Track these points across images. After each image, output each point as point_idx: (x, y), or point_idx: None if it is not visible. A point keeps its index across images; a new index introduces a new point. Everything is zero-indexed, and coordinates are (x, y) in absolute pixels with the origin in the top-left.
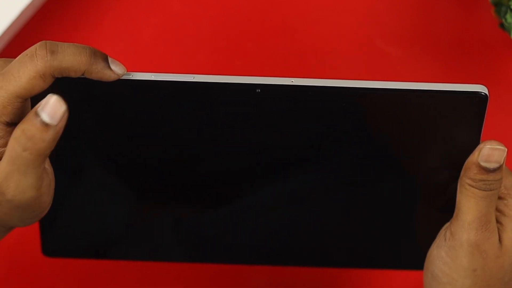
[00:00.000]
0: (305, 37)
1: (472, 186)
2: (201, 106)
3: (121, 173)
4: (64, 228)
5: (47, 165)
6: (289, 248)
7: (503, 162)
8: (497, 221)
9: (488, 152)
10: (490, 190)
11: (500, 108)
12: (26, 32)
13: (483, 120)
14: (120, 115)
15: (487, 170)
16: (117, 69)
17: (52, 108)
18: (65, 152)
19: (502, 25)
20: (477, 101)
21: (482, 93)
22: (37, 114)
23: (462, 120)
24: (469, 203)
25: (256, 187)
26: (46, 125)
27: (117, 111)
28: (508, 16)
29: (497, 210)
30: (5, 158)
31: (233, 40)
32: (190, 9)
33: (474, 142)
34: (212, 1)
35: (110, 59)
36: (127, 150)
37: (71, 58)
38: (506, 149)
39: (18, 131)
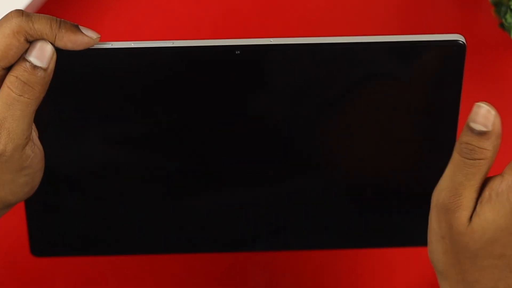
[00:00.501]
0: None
1: (456, 150)
2: (181, 71)
3: (104, 161)
4: (52, 227)
5: (33, 128)
6: (278, 232)
7: (493, 129)
8: (479, 201)
9: (476, 110)
10: (472, 159)
11: (500, 108)
12: None
13: (462, 72)
14: (101, 88)
15: (472, 131)
16: (89, 33)
17: (40, 51)
18: (51, 141)
19: (502, 25)
20: (455, 50)
21: (460, 41)
22: (26, 59)
23: (441, 73)
24: (449, 167)
25: (240, 160)
26: (37, 68)
27: (97, 83)
28: (508, 16)
29: (485, 189)
30: None
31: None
32: (189, 9)
33: (455, 95)
34: (212, 1)
35: (81, 27)
36: (110, 128)
37: (43, 20)
38: (497, 115)
39: (11, 77)
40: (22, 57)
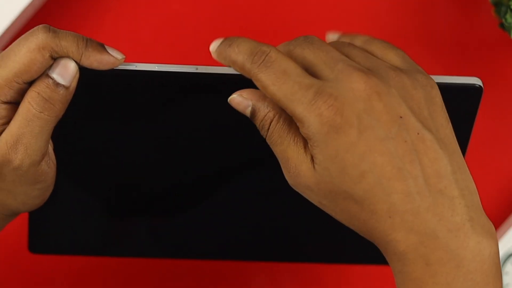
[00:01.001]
0: None
1: (264, 137)
2: (203, 97)
3: (108, 169)
4: (51, 225)
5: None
6: (268, 242)
7: (252, 103)
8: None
9: (233, 105)
10: (267, 131)
11: (500, 107)
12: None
13: (476, 114)
14: (120, 107)
15: (251, 118)
16: (115, 54)
17: (63, 69)
18: (57, 146)
19: (502, 25)
20: (472, 93)
21: (477, 85)
22: (48, 76)
23: (456, 112)
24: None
25: (238, 181)
26: (59, 85)
27: (117, 103)
28: (508, 16)
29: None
30: (16, 122)
31: None
32: (189, 9)
33: (465, 135)
34: (212, 1)
35: (107, 46)
36: (120, 144)
37: (70, 38)
38: (242, 92)
39: (33, 93)
40: (45, 73)
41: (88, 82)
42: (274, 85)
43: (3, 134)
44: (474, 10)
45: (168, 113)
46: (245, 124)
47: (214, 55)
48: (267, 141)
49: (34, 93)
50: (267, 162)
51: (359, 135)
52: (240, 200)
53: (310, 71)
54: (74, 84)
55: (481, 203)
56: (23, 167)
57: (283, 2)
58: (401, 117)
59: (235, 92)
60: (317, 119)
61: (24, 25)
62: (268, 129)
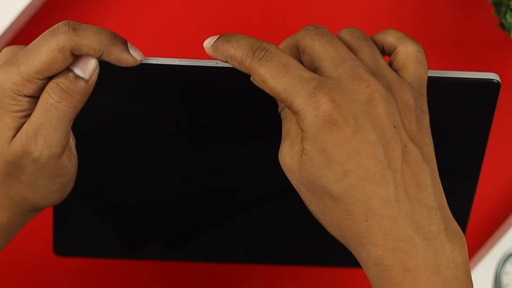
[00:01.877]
0: None
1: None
2: (222, 91)
3: (132, 170)
4: (76, 227)
5: (71, 136)
6: (272, 246)
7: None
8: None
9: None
10: (284, 109)
11: (500, 108)
12: (26, 32)
13: (494, 109)
14: (140, 101)
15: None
16: (135, 54)
17: (83, 63)
18: (80, 145)
19: (502, 25)
20: (490, 89)
21: (495, 80)
22: (69, 69)
23: (474, 108)
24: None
25: (249, 183)
26: (79, 78)
27: (136, 96)
28: (508, 16)
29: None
30: (35, 112)
31: None
32: (190, 9)
33: (484, 131)
34: (212, 1)
35: (129, 44)
36: (142, 138)
37: (92, 36)
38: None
39: (52, 84)
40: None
41: (108, 76)
42: (274, 78)
43: (24, 125)
44: (474, 10)
45: (187, 108)
46: (262, 119)
47: (209, 50)
48: (281, 115)
49: (53, 84)
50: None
51: (352, 135)
52: (247, 204)
53: (315, 65)
54: (94, 78)
55: (481, 203)
56: (43, 159)
57: (284, 2)
58: (394, 126)
59: None
60: (314, 113)
61: (24, 25)
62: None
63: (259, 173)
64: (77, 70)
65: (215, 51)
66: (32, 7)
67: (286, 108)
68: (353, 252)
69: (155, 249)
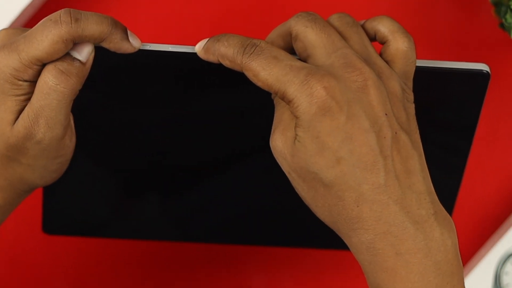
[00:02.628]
0: None
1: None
2: (215, 78)
3: (121, 151)
4: (65, 206)
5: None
6: (273, 227)
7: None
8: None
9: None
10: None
11: (500, 107)
12: None
13: (483, 100)
14: (130, 87)
15: None
16: (134, 42)
17: (80, 46)
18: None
19: (502, 25)
20: (479, 79)
21: (484, 71)
22: (67, 52)
23: (463, 98)
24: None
25: (243, 162)
26: (75, 59)
27: (127, 82)
28: (508, 16)
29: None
30: (35, 96)
31: None
32: (190, 9)
33: (473, 120)
34: (212, 1)
35: (129, 32)
36: (132, 125)
37: (94, 26)
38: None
39: (50, 66)
40: None
41: (102, 61)
42: (265, 70)
43: (26, 108)
44: (474, 10)
45: (181, 94)
46: (256, 107)
47: (201, 53)
48: (274, 100)
49: (51, 66)
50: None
51: (345, 122)
52: (245, 185)
53: (307, 52)
54: (90, 62)
55: (481, 203)
56: (46, 140)
57: (284, 2)
58: (386, 114)
59: None
60: (307, 99)
61: (24, 25)
62: None
63: (256, 157)
64: (74, 53)
65: (207, 53)
66: (32, 7)
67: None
68: (343, 238)
69: (146, 228)
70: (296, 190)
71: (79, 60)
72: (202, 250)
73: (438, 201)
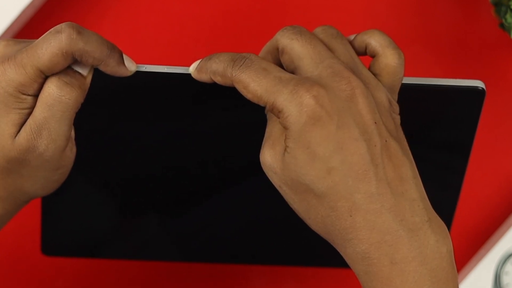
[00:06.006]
0: None
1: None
2: (210, 98)
3: (121, 172)
4: (64, 227)
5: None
6: (273, 246)
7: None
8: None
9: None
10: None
11: (500, 107)
12: (26, 32)
13: (479, 116)
14: (129, 107)
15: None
16: (130, 66)
17: (81, 63)
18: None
19: (502, 25)
20: (475, 96)
21: (480, 88)
22: (68, 66)
23: (459, 115)
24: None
25: (245, 182)
26: (77, 72)
27: (127, 102)
28: (508, 16)
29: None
30: (38, 108)
31: (233, 40)
32: (190, 9)
33: (469, 138)
34: (212, 1)
35: (124, 56)
36: (131, 145)
37: (95, 44)
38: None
39: (53, 78)
40: None
41: (99, 81)
42: (254, 82)
43: (28, 121)
44: (474, 10)
45: (177, 113)
46: (253, 125)
47: (194, 74)
48: (267, 115)
49: (55, 78)
50: None
51: (336, 131)
52: (245, 203)
53: (294, 64)
54: (89, 78)
55: (481, 204)
56: (49, 152)
57: (283, 2)
58: (375, 122)
59: None
60: (297, 108)
61: (24, 25)
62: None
63: (255, 175)
64: (76, 67)
65: (199, 72)
66: (32, 7)
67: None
68: (337, 248)
69: (147, 248)
70: (289, 204)
71: (80, 73)
72: (204, 270)
73: (432, 208)
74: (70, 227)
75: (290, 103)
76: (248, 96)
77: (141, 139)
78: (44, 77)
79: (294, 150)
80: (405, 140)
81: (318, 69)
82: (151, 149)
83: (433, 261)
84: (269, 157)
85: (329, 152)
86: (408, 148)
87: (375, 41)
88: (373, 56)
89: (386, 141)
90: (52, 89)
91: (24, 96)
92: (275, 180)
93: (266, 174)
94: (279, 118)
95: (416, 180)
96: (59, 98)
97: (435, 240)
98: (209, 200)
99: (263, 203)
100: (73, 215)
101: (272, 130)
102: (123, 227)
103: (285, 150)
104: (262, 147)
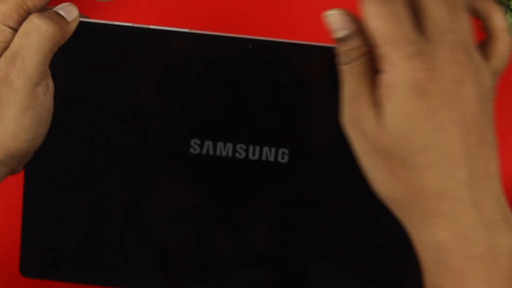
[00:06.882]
0: (305, 37)
1: (339, 63)
2: (192, 58)
3: (102, 192)
4: (44, 248)
5: (50, 80)
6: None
7: (350, 30)
8: (379, 100)
9: (330, 20)
10: (350, 62)
11: (500, 107)
12: None
13: None
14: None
15: (340, 40)
16: (67, 15)
17: (66, 8)
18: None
19: None
20: None
21: None
22: (53, 10)
23: None
24: (342, 82)
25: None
26: (60, 15)
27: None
28: (508, 16)
29: (379, 89)
30: (16, 37)
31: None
32: (190, 9)
33: None
34: (212, 3)
35: (59, 6)
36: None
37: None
38: (345, 14)
39: (35, 13)
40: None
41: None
42: (385, 22)
43: (5, 51)
44: None
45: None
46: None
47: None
48: (345, 70)
49: (36, 13)
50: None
51: (438, 110)
52: (235, 229)
53: (421, 18)
54: (73, 25)
55: None
56: (19, 81)
57: (283, 5)
58: (477, 112)
59: (336, 9)
60: (408, 74)
61: None
62: (354, 59)
63: (249, 202)
64: (60, 11)
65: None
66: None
67: (353, 64)
68: (411, 231)
69: (128, 275)
70: (368, 172)
71: (63, 17)
72: None
73: (508, 207)
74: (50, 249)
75: (404, 65)
76: (368, 25)
77: (121, 162)
78: (26, 10)
79: (396, 117)
80: (495, 132)
81: (442, 38)
82: (135, 172)
83: (504, 261)
84: (361, 122)
85: (431, 129)
86: (496, 142)
87: (496, 21)
88: (485, 32)
89: (483, 132)
90: (32, 19)
91: (4, 27)
92: (362, 145)
93: (350, 135)
94: (382, 70)
95: (499, 177)
96: (37, 27)
97: (509, 239)
98: (198, 224)
99: (254, 229)
100: (53, 237)
101: (360, 90)
102: (104, 251)
103: (384, 114)
104: (350, 108)
